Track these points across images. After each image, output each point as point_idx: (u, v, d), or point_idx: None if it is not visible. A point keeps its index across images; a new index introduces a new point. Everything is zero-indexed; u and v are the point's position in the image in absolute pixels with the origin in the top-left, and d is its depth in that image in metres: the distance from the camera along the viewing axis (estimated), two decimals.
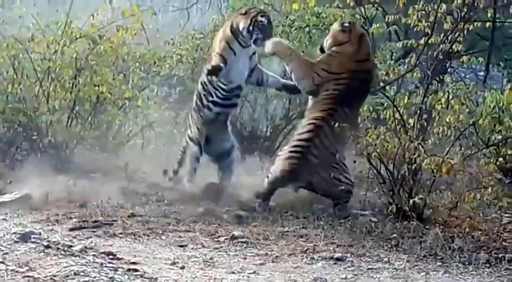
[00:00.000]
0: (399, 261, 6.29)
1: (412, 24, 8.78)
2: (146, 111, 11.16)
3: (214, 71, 8.63)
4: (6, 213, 7.54)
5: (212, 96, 8.89)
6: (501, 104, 7.47)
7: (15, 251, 5.76)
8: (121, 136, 11.03)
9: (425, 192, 7.62)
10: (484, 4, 8.84)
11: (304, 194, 8.27)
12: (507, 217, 8.05)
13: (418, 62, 8.86)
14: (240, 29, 8.60)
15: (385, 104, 8.29)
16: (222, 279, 5.59)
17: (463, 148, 7.80)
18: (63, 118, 10.02)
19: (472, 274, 6.09)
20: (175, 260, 6.03)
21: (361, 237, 7.06)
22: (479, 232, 7.36)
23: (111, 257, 5.86)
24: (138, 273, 5.51)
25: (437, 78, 8.95)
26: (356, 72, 8.28)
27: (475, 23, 8.93)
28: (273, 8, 11.17)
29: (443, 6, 8.44)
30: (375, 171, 8.05)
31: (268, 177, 8.20)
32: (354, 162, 8.31)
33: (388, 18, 10.03)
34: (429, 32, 8.57)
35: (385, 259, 6.35)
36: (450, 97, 7.96)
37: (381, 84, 8.73)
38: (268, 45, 8.49)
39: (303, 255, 6.38)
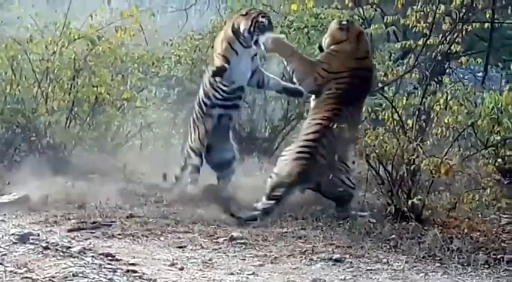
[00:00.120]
0: (398, 262, 6.29)
1: (410, 25, 8.78)
2: (145, 112, 11.16)
3: (219, 72, 8.61)
4: (5, 215, 7.54)
5: (214, 99, 8.86)
6: (500, 105, 7.48)
7: (14, 252, 5.75)
8: (119, 137, 11.03)
9: (424, 193, 7.62)
10: (483, 5, 8.85)
11: (303, 195, 8.25)
12: (506, 218, 8.05)
13: (416, 63, 8.86)
14: (241, 30, 8.60)
15: (384, 105, 8.28)
16: (220, 281, 5.59)
17: (461, 149, 7.80)
18: (61, 119, 10.03)
19: (470, 275, 6.09)
20: (174, 261, 6.02)
21: (360, 238, 7.06)
22: (478, 233, 7.35)
23: (109, 258, 5.85)
24: (136, 274, 5.50)
25: (436, 79, 8.95)
26: (356, 70, 8.27)
27: (474, 24, 8.93)
28: (271, 9, 11.19)
29: (442, 7, 8.44)
30: (373, 172, 8.04)
31: (271, 177, 8.14)
32: (353, 162, 8.31)
33: (387, 19, 10.03)
34: (427, 32, 8.57)
35: (384, 260, 6.34)
36: (449, 98, 7.96)
37: (380, 85, 8.72)
38: (268, 43, 8.47)
39: (301, 256, 6.38)
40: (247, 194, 8.31)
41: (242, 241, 6.75)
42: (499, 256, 6.53)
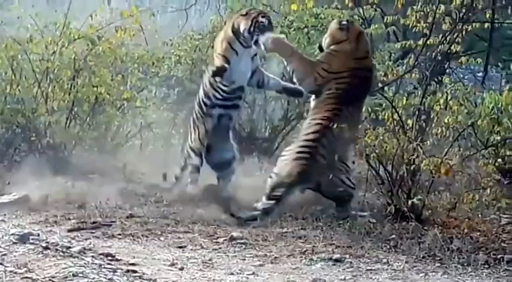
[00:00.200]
0: (398, 262, 6.29)
1: (410, 25, 8.78)
2: (145, 112, 11.16)
3: (219, 72, 8.61)
4: (5, 215, 7.54)
5: (214, 99, 8.85)
6: (500, 105, 7.48)
7: (14, 252, 5.75)
8: (119, 137, 11.03)
9: (424, 193, 7.62)
10: (483, 5, 8.85)
11: (303, 195, 8.25)
12: (506, 218, 8.05)
13: (416, 63, 8.86)
14: (241, 30, 8.60)
15: (384, 105, 8.28)
16: (220, 281, 5.59)
17: (461, 149, 7.80)
18: (61, 119, 10.03)
19: (470, 275, 6.09)
20: (174, 261, 6.02)
21: (359, 238, 7.06)
22: (478, 233, 7.35)
23: (109, 258, 5.85)
24: (136, 274, 5.50)
25: (436, 79, 8.95)
26: (356, 70, 8.26)
27: (474, 24, 8.93)
28: (271, 9, 11.20)
29: (442, 7, 8.44)
30: (373, 172, 8.04)
31: (271, 177, 8.13)
32: (353, 162, 8.31)
33: (387, 19, 10.03)
34: (428, 32, 8.57)
35: (384, 260, 6.34)
36: (449, 98, 7.96)
37: (380, 85, 8.72)
38: (268, 43, 8.47)
39: (301, 256, 6.38)
40: (247, 194, 8.31)
41: (242, 241, 6.75)
42: (499, 256, 6.54)
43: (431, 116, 8.18)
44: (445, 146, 7.81)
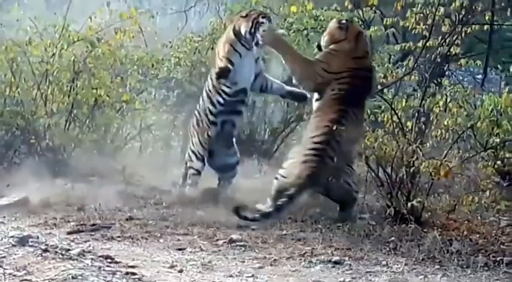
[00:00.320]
0: (397, 265, 6.29)
1: (410, 27, 8.77)
2: (144, 114, 11.16)
3: (223, 73, 8.56)
4: (4, 217, 7.54)
5: (218, 105, 8.80)
6: (499, 107, 7.46)
7: (13, 254, 5.75)
8: (119, 139, 11.03)
9: (424, 195, 7.62)
10: (482, 7, 8.85)
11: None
12: (505, 220, 8.05)
13: (416, 65, 8.85)
14: (242, 31, 8.60)
15: (383, 107, 8.27)
16: None
17: (461, 151, 7.79)
18: (61, 121, 10.02)
19: (470, 277, 6.09)
20: (173, 263, 6.02)
21: (359, 240, 7.06)
22: (478, 235, 7.36)
23: (109, 260, 5.86)
24: (136, 276, 5.51)
25: (435, 81, 8.96)
26: (356, 69, 8.23)
27: (473, 26, 8.92)
28: (271, 11, 11.17)
29: (441, 9, 8.44)
30: (373, 174, 8.04)
31: (277, 179, 8.09)
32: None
33: (386, 21, 10.00)
34: (427, 34, 8.57)
35: (383, 262, 6.34)
36: (448, 100, 7.95)
37: (379, 87, 8.72)
38: (266, 38, 8.47)
39: (301, 259, 6.38)
40: (246, 196, 8.30)
41: (241, 243, 6.75)
42: (498, 258, 6.53)
43: (431, 118, 8.17)
44: (445, 148, 7.80)
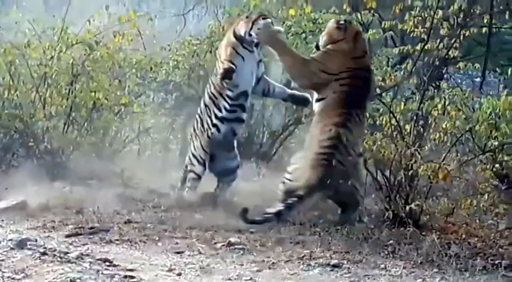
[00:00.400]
0: (396, 268, 6.29)
1: (408, 30, 8.79)
2: (142, 117, 11.15)
3: (228, 74, 8.48)
4: (2, 220, 7.53)
5: (224, 110, 8.77)
6: (497, 110, 7.48)
7: (12, 258, 5.76)
8: (117, 142, 11.01)
9: (422, 199, 7.62)
10: (481, 10, 8.86)
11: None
12: (503, 223, 8.05)
13: (414, 68, 8.85)
14: (241, 33, 8.59)
15: (381, 110, 8.27)
16: None
17: (459, 154, 7.80)
18: (59, 124, 10.00)
19: (468, 281, 6.09)
20: (171, 266, 6.02)
21: (357, 243, 7.05)
22: (476, 238, 7.36)
23: (107, 263, 5.86)
24: (134, 280, 5.51)
25: (434, 84, 8.95)
26: (356, 69, 8.20)
27: (472, 29, 8.93)
28: (269, 14, 11.17)
29: (440, 12, 8.45)
30: (371, 177, 8.04)
31: (284, 183, 8.08)
32: None
33: (385, 24, 10.03)
34: (425, 38, 8.58)
35: (382, 266, 6.34)
36: (446, 103, 7.96)
37: (378, 90, 8.72)
38: (261, 35, 8.47)
39: (299, 262, 6.38)
40: (244, 199, 8.31)
41: (240, 247, 6.74)
42: (496, 261, 6.54)
43: (429, 121, 8.17)
44: (443, 151, 7.81)
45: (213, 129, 8.80)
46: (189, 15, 14.10)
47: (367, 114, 8.32)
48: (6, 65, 9.86)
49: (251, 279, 5.82)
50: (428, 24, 8.51)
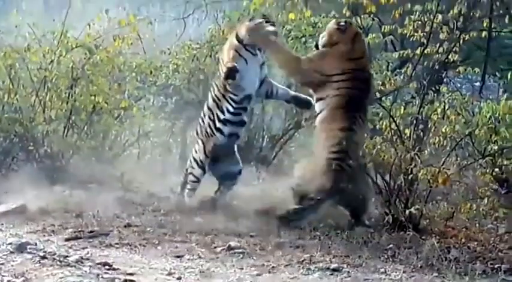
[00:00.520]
0: (396, 272, 6.28)
1: (408, 35, 8.81)
2: (142, 121, 11.15)
3: (231, 73, 8.42)
4: (2, 224, 7.52)
5: (227, 113, 8.75)
6: (497, 114, 7.49)
7: (11, 261, 5.76)
8: (117, 146, 11.02)
9: (422, 203, 7.62)
10: (480, 14, 8.87)
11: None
12: (503, 227, 8.05)
13: (414, 72, 8.86)
14: (241, 36, 8.56)
15: (381, 114, 8.28)
16: None
17: (459, 158, 7.81)
18: (59, 128, 10.00)
19: None
20: (171, 270, 6.01)
21: (357, 247, 7.05)
22: (476, 243, 7.36)
23: (107, 267, 5.86)
24: None
25: (434, 89, 8.97)
26: (355, 70, 8.18)
27: (471, 33, 8.95)
28: (270, 18, 11.18)
29: (439, 16, 8.47)
30: (371, 181, 8.04)
31: (293, 189, 8.01)
32: None
33: (384, 29, 10.04)
34: (425, 42, 8.58)
35: (382, 270, 6.34)
36: (446, 107, 7.97)
37: (378, 94, 8.72)
38: (254, 35, 8.47)
39: (299, 266, 6.37)
40: (244, 203, 8.31)
41: (240, 250, 6.73)
42: (496, 266, 6.53)
43: (429, 126, 8.17)
44: (443, 155, 7.82)
45: (217, 132, 8.79)
46: (189, 19, 14.14)
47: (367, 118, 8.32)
48: (6, 69, 9.87)
49: None
50: (428, 29, 8.52)
